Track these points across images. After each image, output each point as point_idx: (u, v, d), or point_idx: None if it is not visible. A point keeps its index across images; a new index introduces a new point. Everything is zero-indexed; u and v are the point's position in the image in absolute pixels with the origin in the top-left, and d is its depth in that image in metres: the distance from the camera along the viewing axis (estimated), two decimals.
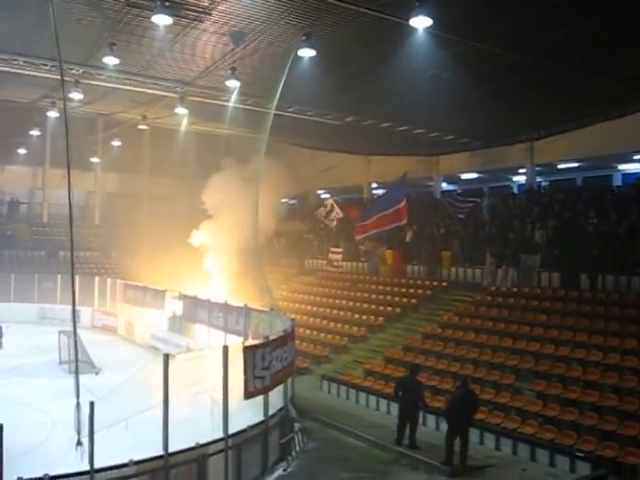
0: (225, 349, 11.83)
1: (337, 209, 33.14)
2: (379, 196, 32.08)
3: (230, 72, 21.58)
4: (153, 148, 41.36)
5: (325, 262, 33.53)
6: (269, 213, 27.60)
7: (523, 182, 32.65)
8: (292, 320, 17.26)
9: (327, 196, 45.20)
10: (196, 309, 24.10)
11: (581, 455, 13.31)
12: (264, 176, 23.63)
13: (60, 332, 21.32)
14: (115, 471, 10.06)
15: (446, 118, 26.19)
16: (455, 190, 37.23)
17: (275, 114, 22.48)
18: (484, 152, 31.97)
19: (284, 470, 13.45)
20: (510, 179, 35.34)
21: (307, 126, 29.07)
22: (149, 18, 17.02)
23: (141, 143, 41.22)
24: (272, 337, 13.81)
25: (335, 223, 33.27)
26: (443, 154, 34.65)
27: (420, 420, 15.43)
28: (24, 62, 21.80)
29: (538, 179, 31.94)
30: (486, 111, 24.23)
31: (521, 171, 32.49)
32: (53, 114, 30.13)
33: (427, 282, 26.59)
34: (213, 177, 28.62)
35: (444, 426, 14.30)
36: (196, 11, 17.19)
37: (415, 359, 19.77)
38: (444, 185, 37.74)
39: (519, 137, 29.17)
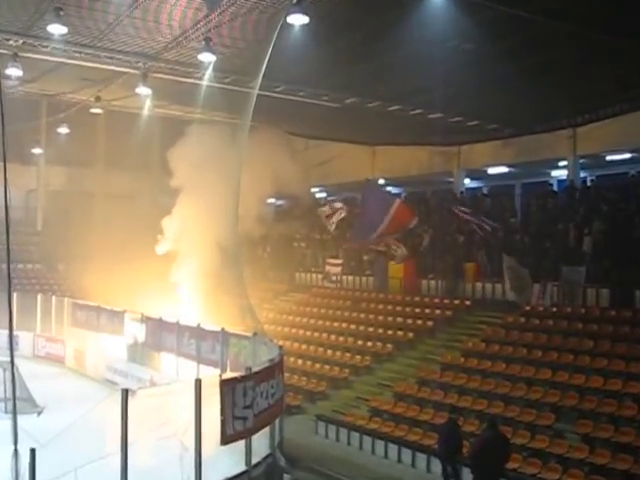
0: (198, 383, 11.82)
1: (343, 212, 33.32)
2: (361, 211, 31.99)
3: (204, 43, 21.66)
4: (109, 136, 41.38)
5: (321, 276, 33.56)
6: (252, 215, 27.60)
7: (564, 177, 32.76)
8: (280, 348, 17.25)
9: (323, 195, 45.27)
10: (162, 334, 24.03)
11: None
12: (245, 171, 23.66)
13: None
14: None
15: (469, 100, 26.33)
16: (480, 188, 37.35)
17: (259, 95, 22.55)
18: (516, 141, 32.08)
19: None
20: (548, 174, 35.42)
21: (299, 110, 29.23)
22: None
23: (94, 130, 41.25)
24: (256, 368, 13.80)
25: (334, 227, 33.34)
26: (466, 143, 34.77)
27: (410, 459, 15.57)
28: None
29: (582, 174, 32.05)
30: (519, 91, 24.33)
31: (562, 164, 32.60)
32: None
33: (447, 300, 26.64)
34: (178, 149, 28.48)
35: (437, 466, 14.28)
36: None
37: (431, 395, 19.78)
38: (467, 181, 37.84)
39: (559, 122, 29.34)
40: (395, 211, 26.77)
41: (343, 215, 33.04)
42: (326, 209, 34.00)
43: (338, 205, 34.04)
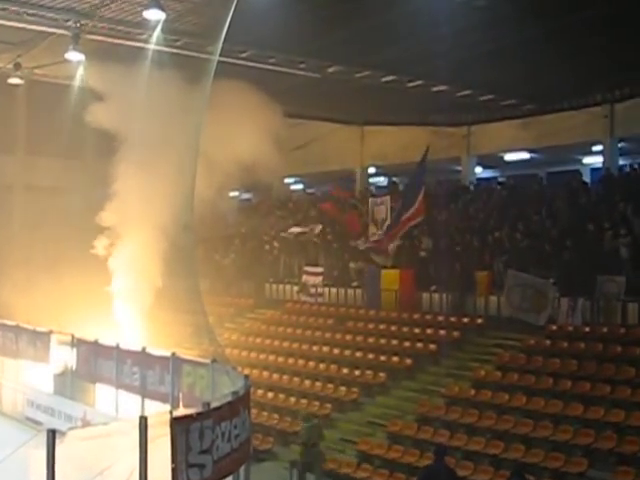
0: (143, 422, 11.74)
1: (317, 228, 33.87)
2: (405, 187, 32.45)
3: None
4: (31, 114, 41.10)
5: (297, 288, 33.52)
6: (210, 209, 27.50)
7: (598, 165, 32.95)
8: (246, 377, 17.15)
9: (299, 187, 45.25)
10: (98, 361, 23.91)
11: None
12: (201, 158, 23.63)
13: None
14: None
15: (482, 69, 26.40)
16: (494, 178, 37.50)
17: (220, 62, 22.52)
18: (539, 120, 32.29)
19: None
20: (579, 161, 35.65)
21: (270, 80, 29.13)
22: None
23: (13, 106, 40.94)
24: (215, 404, 13.74)
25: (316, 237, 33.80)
26: (477, 123, 34.98)
27: None
28: None
29: (621, 161, 32.21)
30: (543, 58, 24.45)
31: (595, 149, 32.80)
32: None
33: (453, 318, 26.67)
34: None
35: None
36: None
37: (435, 436, 19.79)
38: (478, 170, 37.97)
39: (593, 98, 29.49)
40: (420, 199, 27.00)
41: (319, 229, 33.50)
42: (297, 229, 34.46)
43: (316, 228, 34.49)
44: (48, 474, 10.75)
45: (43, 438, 10.96)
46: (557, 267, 24.64)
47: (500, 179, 37.40)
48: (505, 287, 25.17)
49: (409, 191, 30.00)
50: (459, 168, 37.26)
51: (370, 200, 32.46)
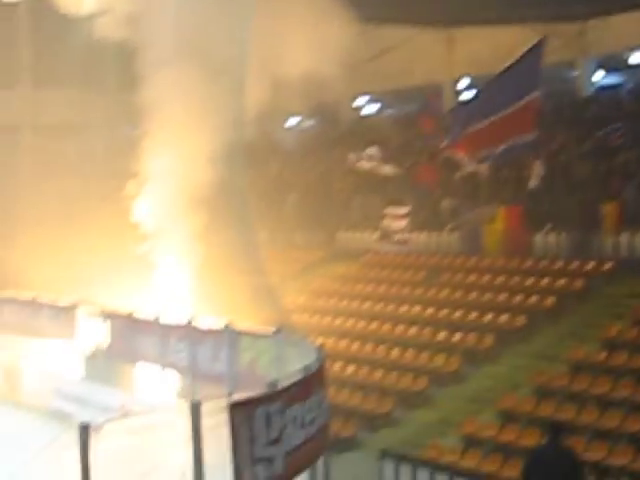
0: (195, 409, 11.80)
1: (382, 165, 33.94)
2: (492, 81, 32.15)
3: None
4: (36, 37, 41.38)
5: (377, 235, 33.44)
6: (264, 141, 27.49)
7: None
8: (320, 349, 17.18)
9: (375, 108, 45.07)
10: (135, 337, 24.14)
11: None
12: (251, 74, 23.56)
13: None
14: None
15: None
16: (620, 85, 36.85)
17: None
18: None
19: None
20: None
21: None
22: None
23: (13, 29, 41.28)
24: (284, 383, 13.76)
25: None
26: (595, 16, 34.44)
27: None
28: None
29: None
30: None
31: None
32: None
33: (575, 264, 26.53)
34: None
35: None
36: None
37: (558, 412, 19.64)
38: (599, 76, 37.37)
39: None
40: (528, 105, 26.59)
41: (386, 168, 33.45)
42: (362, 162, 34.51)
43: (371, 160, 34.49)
44: (83, 477, 10.84)
45: (75, 434, 11.05)
46: None
47: (628, 86, 36.74)
48: None
49: (501, 86, 29.10)
50: (575, 74, 36.70)
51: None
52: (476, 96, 31.04)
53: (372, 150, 34.73)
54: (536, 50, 27.22)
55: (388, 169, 34.65)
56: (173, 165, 26.87)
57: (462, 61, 39.79)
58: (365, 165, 35.16)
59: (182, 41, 26.15)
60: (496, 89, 29.03)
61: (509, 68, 28.60)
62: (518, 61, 27.90)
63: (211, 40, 24.85)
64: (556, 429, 15.42)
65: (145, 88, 27.21)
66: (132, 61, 27.69)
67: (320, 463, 15.37)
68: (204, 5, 25.52)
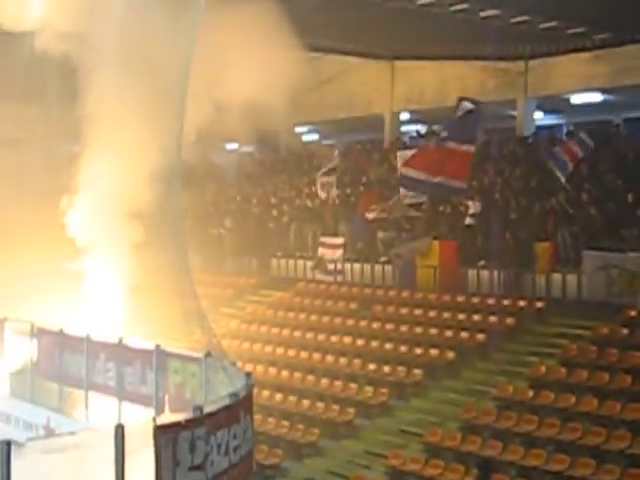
0: (119, 431, 11.72)
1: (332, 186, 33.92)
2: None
3: None
4: None
5: (311, 264, 33.49)
6: (203, 166, 27.45)
7: None
8: (248, 375, 17.17)
9: (314, 137, 45.24)
10: (64, 355, 23.96)
11: None
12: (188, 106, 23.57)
13: None
14: None
15: None
16: (561, 125, 37.29)
17: None
18: (615, 54, 32.04)
19: None
20: None
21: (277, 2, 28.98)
22: None
23: None
24: (210, 408, 13.71)
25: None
26: (536, 57, 34.84)
27: None
28: None
29: None
30: None
31: None
32: None
33: (507, 301, 26.70)
34: None
35: None
36: None
37: (484, 448, 19.74)
38: (538, 116, 37.78)
39: None
40: (468, 152, 26.88)
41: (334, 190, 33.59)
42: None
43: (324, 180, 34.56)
44: None
45: None
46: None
47: (566, 127, 37.19)
48: (582, 270, 24.99)
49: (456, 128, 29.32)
50: (514, 113, 37.06)
51: (398, 154, 32.25)
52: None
53: (326, 178, 34.72)
54: (476, 112, 27.53)
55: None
56: (109, 182, 26.77)
57: (403, 93, 39.97)
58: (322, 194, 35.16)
59: (124, 59, 26.14)
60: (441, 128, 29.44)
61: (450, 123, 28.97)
62: (459, 117, 28.20)
63: (153, 59, 24.86)
64: (487, 467, 15.57)
65: (85, 104, 27.15)
66: (73, 77, 27.60)
67: None
68: (148, 24, 25.52)
